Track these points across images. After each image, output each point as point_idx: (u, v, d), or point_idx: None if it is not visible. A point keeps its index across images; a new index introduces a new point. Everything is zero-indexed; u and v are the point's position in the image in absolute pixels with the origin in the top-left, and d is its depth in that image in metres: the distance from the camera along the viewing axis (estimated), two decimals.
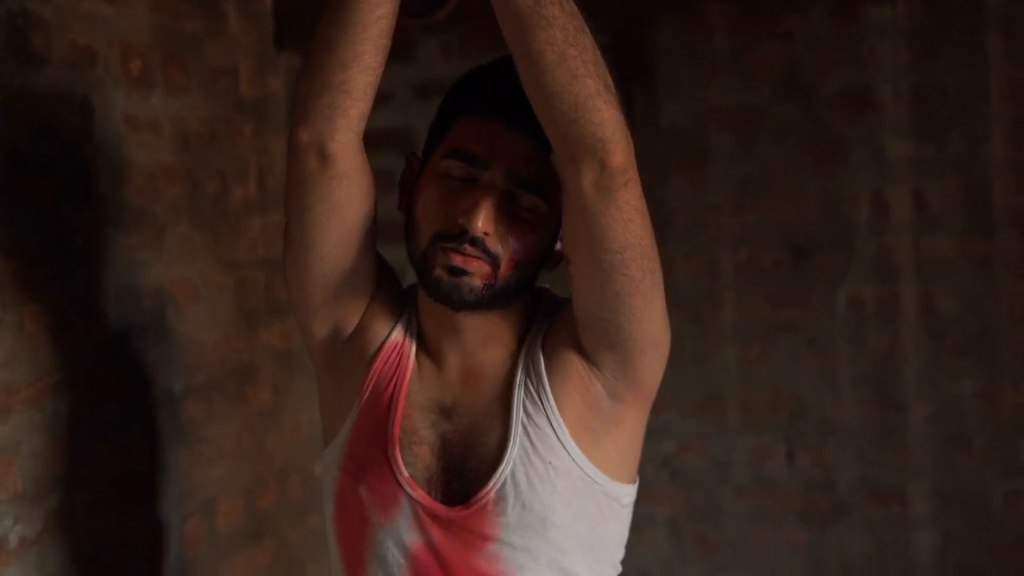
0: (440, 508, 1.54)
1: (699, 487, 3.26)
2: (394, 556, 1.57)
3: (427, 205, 1.52)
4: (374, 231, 1.58)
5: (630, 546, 3.27)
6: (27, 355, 1.91)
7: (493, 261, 1.49)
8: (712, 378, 3.23)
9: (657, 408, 3.21)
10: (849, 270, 3.13)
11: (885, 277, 3.12)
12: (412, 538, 1.55)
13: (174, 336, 2.42)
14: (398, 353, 1.62)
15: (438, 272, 1.50)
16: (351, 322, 1.64)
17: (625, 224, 1.40)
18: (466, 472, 1.55)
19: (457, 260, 1.48)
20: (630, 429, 1.59)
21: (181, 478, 2.42)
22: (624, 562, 3.19)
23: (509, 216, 1.49)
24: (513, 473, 1.52)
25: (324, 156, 1.46)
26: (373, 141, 3.23)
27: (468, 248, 1.47)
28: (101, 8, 2.18)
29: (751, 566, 3.23)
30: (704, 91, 3.21)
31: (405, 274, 1.69)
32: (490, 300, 1.52)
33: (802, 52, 3.14)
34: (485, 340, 1.58)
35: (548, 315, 1.62)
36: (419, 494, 1.55)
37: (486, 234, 1.47)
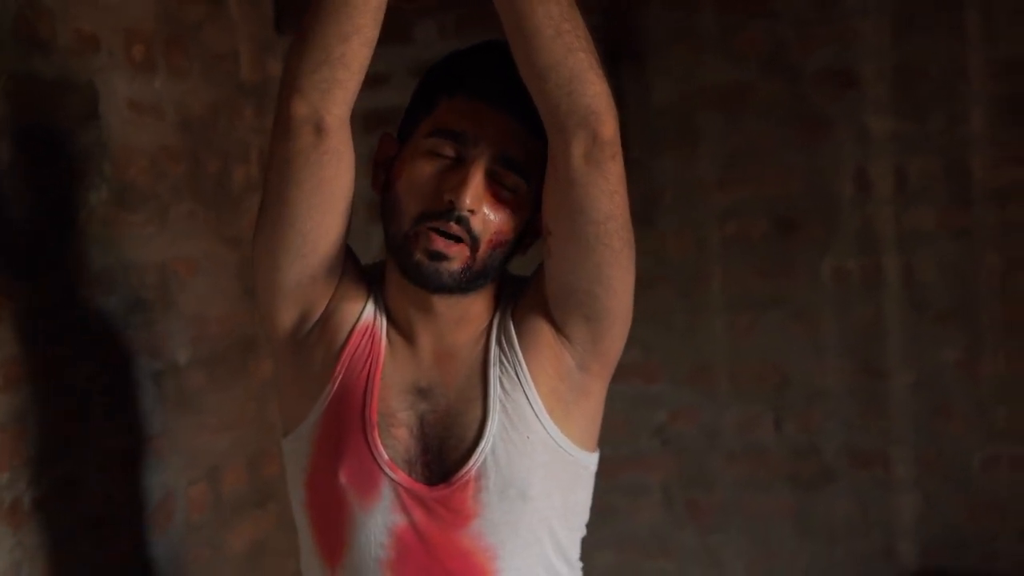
0: (422, 488, 1.55)
1: (690, 455, 3.33)
2: (376, 539, 1.57)
3: (411, 183, 1.52)
4: (350, 212, 1.56)
5: (623, 514, 3.38)
6: (37, 328, 1.98)
7: (474, 243, 1.50)
8: (702, 349, 3.30)
9: (649, 378, 3.34)
10: (833, 243, 3.19)
11: (868, 249, 3.18)
12: (394, 520, 1.56)
13: (178, 310, 2.48)
14: (370, 336, 1.60)
15: (418, 256, 1.50)
16: (320, 305, 1.61)
17: (611, 195, 1.43)
18: (445, 451, 1.56)
19: (439, 244, 1.49)
20: (595, 400, 1.62)
21: (186, 446, 2.49)
22: (618, 528, 3.28)
23: (493, 195, 1.51)
24: (493, 450, 1.54)
25: (320, 130, 1.43)
26: (370, 122, 3.31)
27: (453, 227, 1.48)
28: None
29: (741, 530, 3.31)
30: (692, 70, 3.25)
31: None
32: (467, 283, 1.53)
33: (787, 31, 3.18)
34: (458, 321, 1.59)
35: (513, 293, 1.63)
36: (400, 476, 1.55)
37: (472, 212, 1.48)
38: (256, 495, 2.83)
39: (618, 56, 3.23)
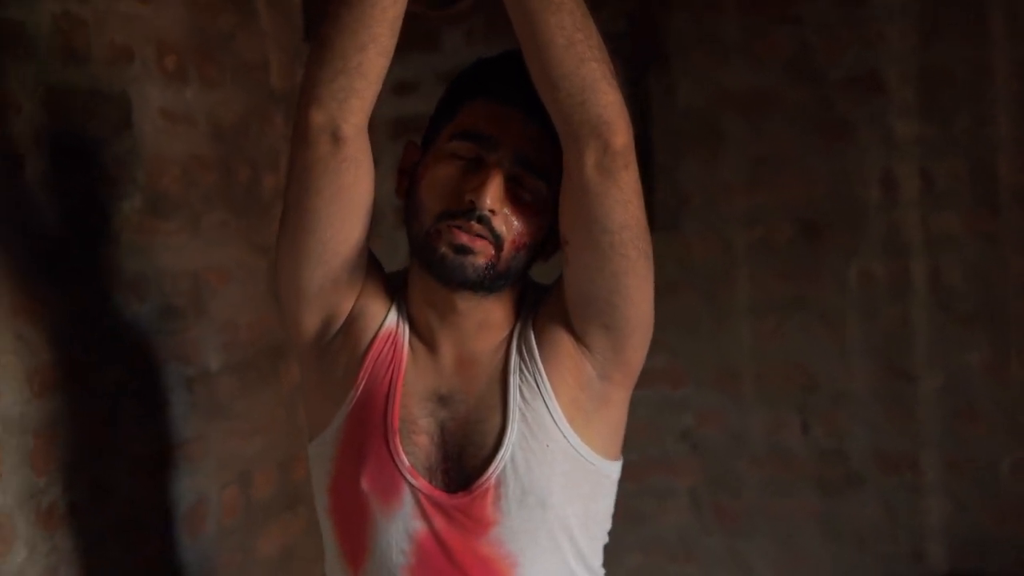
0: (442, 496, 1.56)
1: (717, 458, 3.33)
2: (397, 544, 1.58)
3: (433, 184, 1.53)
4: (370, 217, 1.57)
5: (651, 517, 3.40)
6: (72, 335, 2.02)
7: (497, 241, 1.51)
8: (728, 353, 3.30)
9: (676, 382, 3.35)
10: (860, 246, 3.18)
11: (895, 253, 3.17)
12: (415, 526, 1.57)
13: (210, 316, 2.51)
14: (392, 342, 1.61)
15: (443, 250, 1.51)
16: (343, 311, 1.62)
17: (624, 205, 1.44)
18: (465, 459, 1.57)
19: (463, 238, 1.50)
20: (617, 409, 1.62)
21: (217, 451, 2.51)
22: (645, 531, 3.29)
23: (514, 198, 1.52)
24: (512, 458, 1.54)
25: (337, 138, 1.45)
26: (398, 129, 3.35)
27: (475, 226, 1.49)
28: (137, 8, 2.26)
29: (768, 534, 3.30)
30: (717, 75, 3.26)
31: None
32: (490, 282, 1.54)
33: (811, 36, 3.18)
34: (479, 326, 1.60)
35: (535, 301, 1.64)
36: (421, 483, 1.56)
37: (493, 212, 1.49)
38: (286, 499, 2.85)
39: (643, 61, 3.25)
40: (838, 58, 3.18)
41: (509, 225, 1.52)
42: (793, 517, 3.29)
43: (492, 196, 1.49)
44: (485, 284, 1.54)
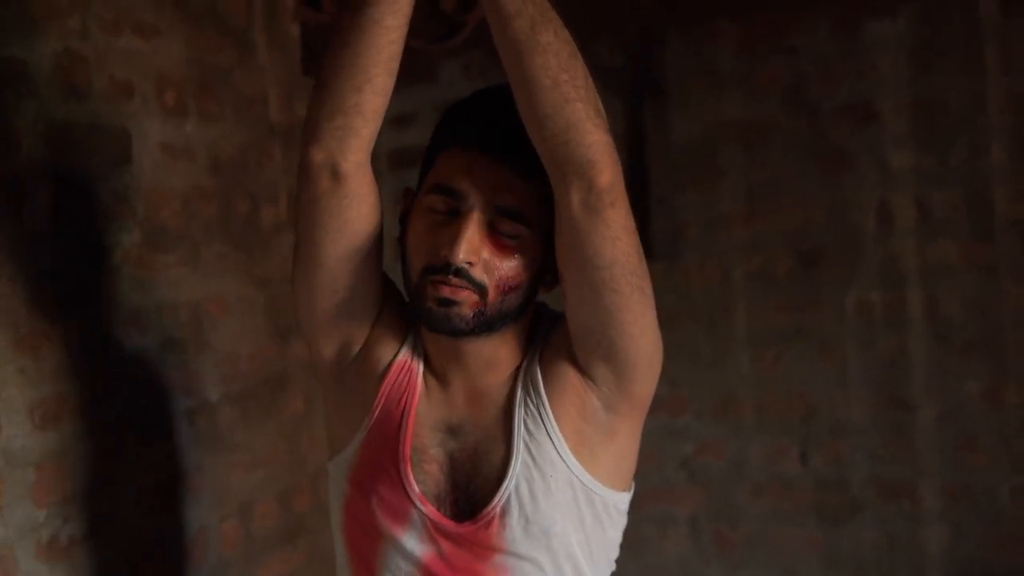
0: (450, 524, 1.58)
1: (717, 487, 3.35)
2: (406, 565, 1.60)
3: (414, 239, 1.55)
4: (381, 248, 1.60)
5: (652, 545, 3.40)
6: (73, 368, 2.01)
7: (480, 290, 1.51)
8: (727, 382, 3.32)
9: (675, 411, 3.36)
10: (857, 276, 3.21)
11: (892, 283, 3.20)
12: (422, 549, 1.59)
13: (210, 348, 2.51)
14: (407, 372, 1.63)
15: (429, 304, 1.52)
16: (359, 339, 1.65)
17: (613, 242, 1.44)
18: (472, 489, 1.58)
19: (445, 292, 1.50)
20: (625, 440, 1.61)
21: (218, 482, 2.50)
22: (646, 560, 3.28)
23: (493, 244, 1.51)
24: (517, 488, 1.56)
25: (337, 176, 1.48)
26: (398, 160, 3.36)
27: (453, 279, 1.49)
28: (137, 44, 2.27)
29: (768, 563, 3.31)
30: (714, 106, 3.30)
31: None
32: (484, 326, 1.54)
33: (807, 67, 3.22)
34: (487, 363, 1.61)
35: (546, 331, 1.64)
36: (429, 510, 1.59)
37: (470, 264, 1.49)
38: (286, 531, 2.84)
39: (640, 94, 3.27)
40: (833, 89, 3.22)
41: (491, 271, 1.52)
42: (793, 546, 3.30)
43: (464, 250, 1.49)
44: (478, 329, 1.55)
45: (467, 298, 1.51)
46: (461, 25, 2.93)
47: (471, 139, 1.51)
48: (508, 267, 1.53)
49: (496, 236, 1.52)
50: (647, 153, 3.26)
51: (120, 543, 2.14)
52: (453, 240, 1.49)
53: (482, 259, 1.51)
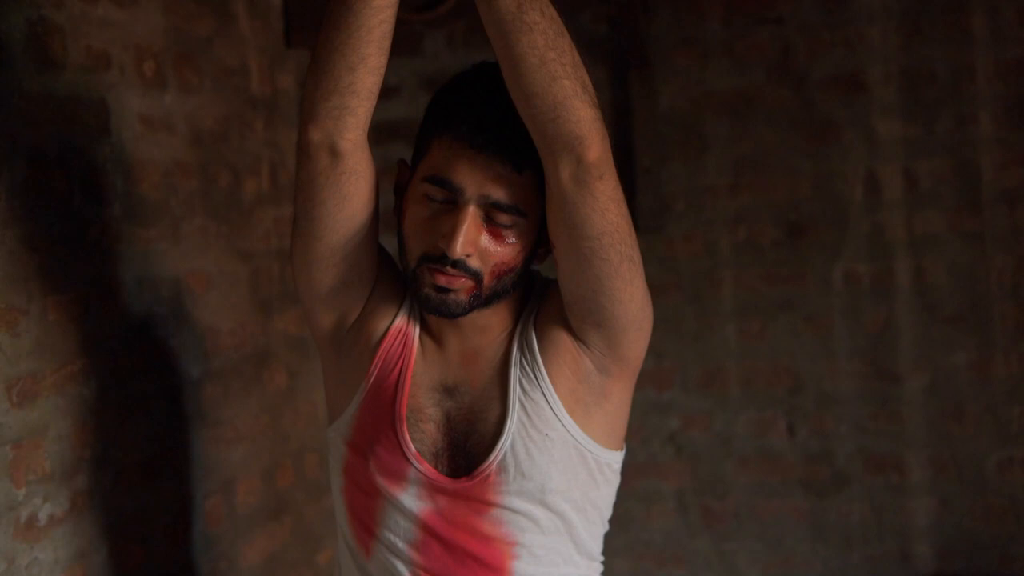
0: (446, 481, 1.65)
1: (704, 461, 3.34)
2: (404, 523, 1.67)
3: (412, 226, 1.61)
4: (377, 221, 1.66)
5: (638, 521, 3.40)
6: (52, 344, 1.99)
7: (476, 277, 1.58)
8: (714, 355, 3.31)
9: (661, 385, 3.35)
10: (844, 247, 3.20)
11: (879, 253, 3.19)
12: (420, 506, 1.66)
13: (192, 323, 2.50)
14: (403, 337, 1.70)
15: (426, 290, 1.59)
16: (356, 309, 1.72)
17: (602, 213, 1.50)
18: (469, 446, 1.65)
19: (442, 280, 1.57)
20: (618, 400, 1.68)
21: (202, 459, 2.50)
22: (633, 535, 3.30)
23: (488, 232, 1.57)
24: (512, 446, 1.62)
25: (335, 153, 1.54)
26: (383, 133, 3.34)
27: (450, 270, 1.56)
28: (114, 13, 2.24)
29: (756, 536, 3.31)
30: (699, 76, 3.27)
31: None
32: (479, 306, 1.62)
33: (793, 36, 3.20)
34: (482, 328, 1.67)
35: (539, 296, 1.71)
36: (426, 467, 1.65)
37: (467, 255, 1.56)
38: (271, 507, 2.84)
39: (626, 64, 3.25)
40: (820, 59, 3.20)
41: (486, 259, 1.58)
42: (780, 519, 3.30)
43: (462, 244, 1.55)
44: (474, 310, 1.62)
45: (463, 285, 1.58)
46: None
47: (464, 134, 1.55)
48: (503, 253, 1.59)
49: (492, 226, 1.58)
50: (632, 124, 3.24)
51: (101, 522, 2.12)
52: (450, 235, 1.54)
53: (477, 249, 1.57)
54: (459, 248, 1.54)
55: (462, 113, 1.57)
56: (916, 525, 3.20)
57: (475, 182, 1.55)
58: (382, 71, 1.52)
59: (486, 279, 1.59)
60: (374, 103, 1.55)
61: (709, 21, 3.26)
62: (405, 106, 3.31)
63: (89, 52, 2.17)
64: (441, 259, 1.56)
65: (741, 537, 3.33)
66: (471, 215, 1.55)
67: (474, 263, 1.57)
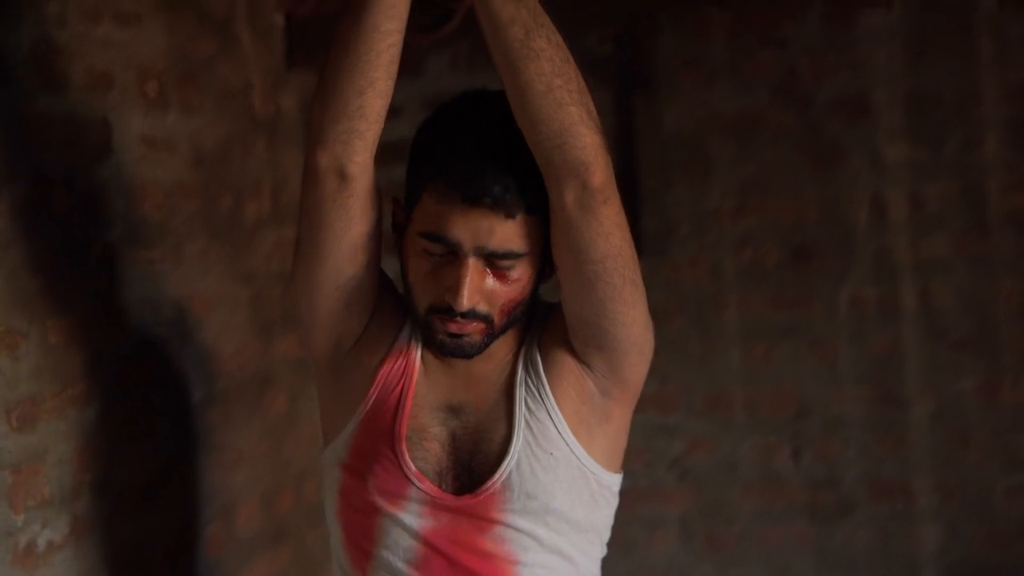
0: (448, 498, 1.65)
1: (708, 486, 3.31)
2: (404, 540, 1.67)
3: (416, 276, 1.62)
4: (379, 244, 1.67)
5: (641, 546, 3.36)
6: (52, 367, 1.98)
7: (487, 319, 1.60)
8: (718, 379, 3.28)
9: (665, 409, 3.32)
10: (850, 271, 3.18)
11: (885, 277, 3.16)
12: (421, 523, 1.66)
13: (193, 346, 2.48)
14: (404, 358, 1.71)
15: (440, 337, 1.61)
16: (356, 331, 1.72)
17: (606, 237, 1.52)
18: (474, 465, 1.66)
19: (454, 328, 1.59)
20: (619, 423, 1.71)
21: (202, 484, 2.48)
22: (636, 561, 3.27)
23: (492, 275, 1.58)
24: (518, 464, 1.64)
25: (344, 177, 1.54)
26: (386, 154, 3.29)
27: (460, 320, 1.58)
28: (117, 33, 2.24)
29: (760, 563, 3.27)
30: (704, 98, 3.25)
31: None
32: (493, 340, 1.64)
33: (799, 58, 3.18)
34: (489, 353, 1.67)
35: (542, 318, 1.72)
36: (427, 486, 1.66)
37: (474, 304, 1.57)
38: (271, 532, 2.82)
39: (630, 86, 3.23)
40: (825, 81, 3.18)
41: (494, 302, 1.60)
42: (785, 545, 3.26)
43: (467, 297, 1.56)
44: (489, 346, 1.65)
45: (475, 328, 1.60)
46: (450, 14, 2.88)
47: (454, 188, 1.54)
48: (510, 291, 1.61)
49: (494, 269, 1.59)
50: (637, 146, 3.22)
51: (101, 548, 2.11)
52: (455, 290, 1.56)
53: (484, 294, 1.58)
54: (465, 302, 1.56)
55: (450, 163, 1.55)
56: (923, 552, 3.16)
57: (470, 236, 1.54)
58: (389, 95, 1.54)
59: (497, 319, 1.61)
60: (381, 127, 1.56)
61: (714, 43, 3.24)
62: (408, 127, 3.20)
63: (91, 72, 2.17)
64: (449, 311, 1.57)
65: (745, 563, 3.29)
66: (472, 267, 1.56)
67: (483, 308, 1.59)
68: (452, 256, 1.57)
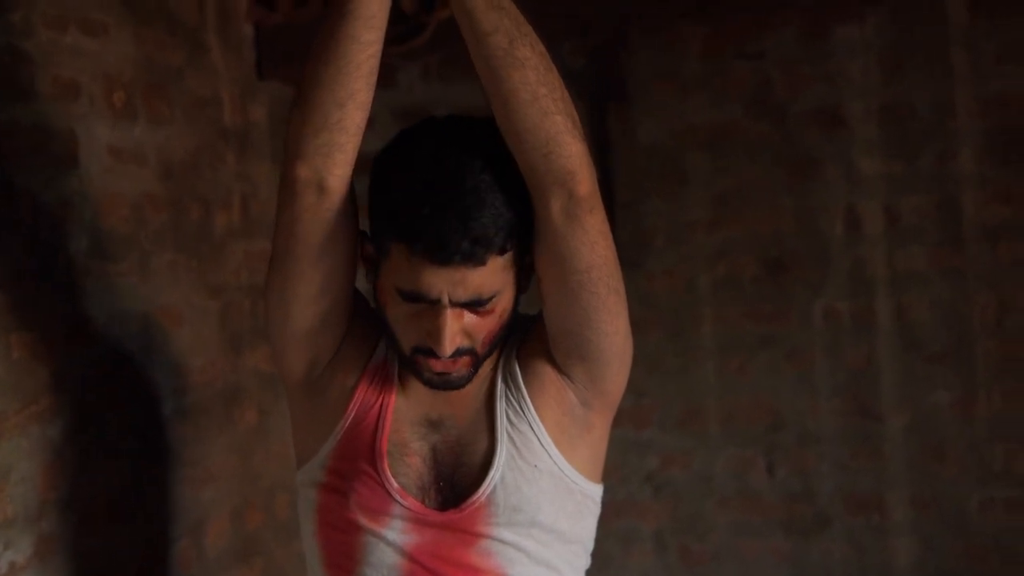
0: (432, 514, 1.63)
1: (682, 500, 3.30)
2: (389, 558, 1.65)
3: (395, 319, 1.58)
4: (356, 260, 1.64)
5: (616, 562, 3.33)
6: (15, 382, 1.93)
7: (471, 352, 1.58)
8: (693, 392, 3.28)
9: (639, 423, 3.30)
10: (825, 284, 3.19)
11: (860, 290, 3.17)
12: (405, 539, 1.64)
13: (161, 360, 2.44)
14: (382, 374, 1.69)
15: (427, 375, 1.59)
16: (331, 349, 1.68)
17: (591, 246, 1.51)
18: (457, 479, 1.64)
19: (440, 368, 1.58)
20: (599, 433, 1.70)
21: (170, 500, 2.44)
22: None
23: (471, 313, 1.55)
24: (503, 478, 1.62)
25: (323, 191, 1.51)
26: (356, 166, 3.28)
27: (446, 360, 1.56)
28: (84, 42, 2.20)
29: None
30: (679, 110, 3.26)
31: None
32: (480, 365, 1.62)
33: (773, 71, 3.19)
34: None
35: (521, 330, 1.69)
36: (410, 502, 1.63)
37: (457, 346, 1.55)
38: (241, 549, 2.78)
39: (605, 98, 3.23)
40: (800, 93, 3.19)
41: (476, 336, 1.57)
42: (760, 559, 3.26)
43: (448, 344, 1.54)
44: (477, 373, 1.63)
45: (462, 363, 1.59)
46: (421, 26, 2.87)
47: (423, 251, 1.48)
48: (490, 323, 1.58)
49: (472, 310, 1.55)
50: (611, 158, 3.21)
51: (66, 569, 2.06)
52: (436, 338, 1.53)
53: (466, 334, 1.56)
54: (447, 349, 1.54)
55: (414, 228, 1.48)
56: (898, 565, 3.16)
57: (445, 290, 1.51)
58: (368, 107, 1.52)
59: (480, 348, 1.59)
60: (359, 141, 1.53)
61: (689, 55, 3.24)
62: (379, 139, 3.22)
63: (57, 82, 2.13)
64: (434, 353, 1.55)
65: None
66: (449, 315, 1.53)
67: (465, 344, 1.57)
68: (429, 304, 1.53)
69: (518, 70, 1.43)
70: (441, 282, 1.50)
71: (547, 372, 1.64)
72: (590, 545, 1.77)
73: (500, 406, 1.65)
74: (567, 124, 1.45)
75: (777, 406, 3.23)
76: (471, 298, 1.53)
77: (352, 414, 1.67)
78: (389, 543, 1.64)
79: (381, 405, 1.67)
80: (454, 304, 1.53)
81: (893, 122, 3.12)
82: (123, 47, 2.36)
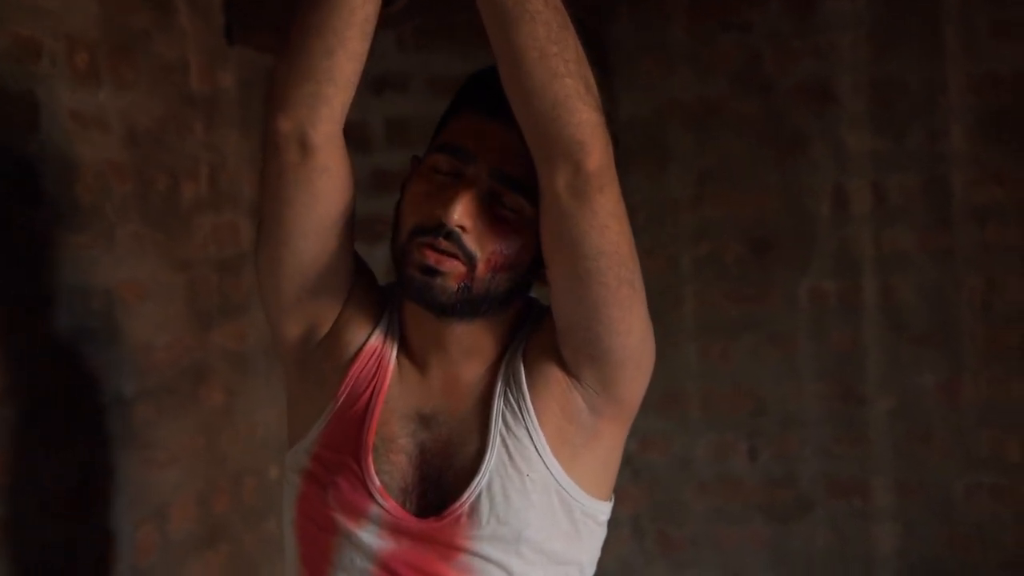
0: (410, 520, 1.51)
1: (662, 485, 3.27)
2: (362, 563, 1.52)
3: (411, 199, 1.49)
4: (353, 227, 1.54)
5: None
6: None
7: (469, 260, 1.45)
8: (673, 375, 3.24)
9: None
10: (810, 264, 3.16)
11: (846, 271, 3.14)
12: (380, 545, 1.51)
13: (124, 338, 2.37)
14: (378, 357, 1.57)
15: (411, 271, 1.46)
16: (326, 322, 1.59)
17: (601, 230, 1.38)
18: (443, 482, 1.52)
19: (431, 259, 1.44)
20: (609, 445, 1.55)
21: (133, 484, 2.38)
22: None
23: (492, 215, 1.46)
24: (489, 485, 1.49)
25: (306, 147, 1.42)
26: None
27: (443, 243, 1.43)
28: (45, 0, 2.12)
29: (715, 563, 3.24)
30: (662, 84, 3.21)
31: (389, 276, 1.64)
32: (467, 305, 1.48)
33: (761, 44, 3.16)
34: (469, 350, 1.54)
35: (532, 325, 1.58)
36: (390, 504, 1.51)
37: (463, 228, 1.43)
38: (206, 534, 2.71)
39: None
40: (789, 68, 3.16)
41: (483, 243, 1.45)
42: (740, 545, 3.23)
43: (460, 211, 1.43)
44: (460, 308, 1.48)
45: (453, 269, 1.45)
46: None
47: (486, 103, 1.44)
48: (501, 242, 1.47)
49: (496, 207, 1.47)
50: None
51: (23, 557, 1.99)
52: (450, 200, 1.43)
53: (477, 227, 1.45)
54: (457, 214, 1.42)
55: (483, 90, 1.45)
56: (881, 552, 3.15)
57: (489, 150, 1.44)
58: (363, 60, 1.41)
59: (480, 266, 1.45)
60: (351, 95, 1.43)
61: (673, 27, 3.20)
62: (352, 109, 3.18)
63: (17, 39, 2.04)
64: (435, 229, 1.43)
65: (699, 565, 3.25)
66: (477, 185, 1.44)
67: (470, 242, 1.44)
68: (458, 177, 1.46)
69: (528, 24, 1.30)
70: (490, 140, 1.44)
71: (553, 372, 1.50)
72: (590, 569, 1.61)
73: (497, 405, 1.51)
74: (579, 88, 1.33)
75: (760, 389, 3.20)
76: (511, 172, 1.44)
77: (343, 396, 1.56)
78: (362, 547, 1.52)
79: (372, 392, 1.55)
80: (491, 176, 1.44)
81: (882, 98, 3.09)
82: (87, 5, 2.27)
